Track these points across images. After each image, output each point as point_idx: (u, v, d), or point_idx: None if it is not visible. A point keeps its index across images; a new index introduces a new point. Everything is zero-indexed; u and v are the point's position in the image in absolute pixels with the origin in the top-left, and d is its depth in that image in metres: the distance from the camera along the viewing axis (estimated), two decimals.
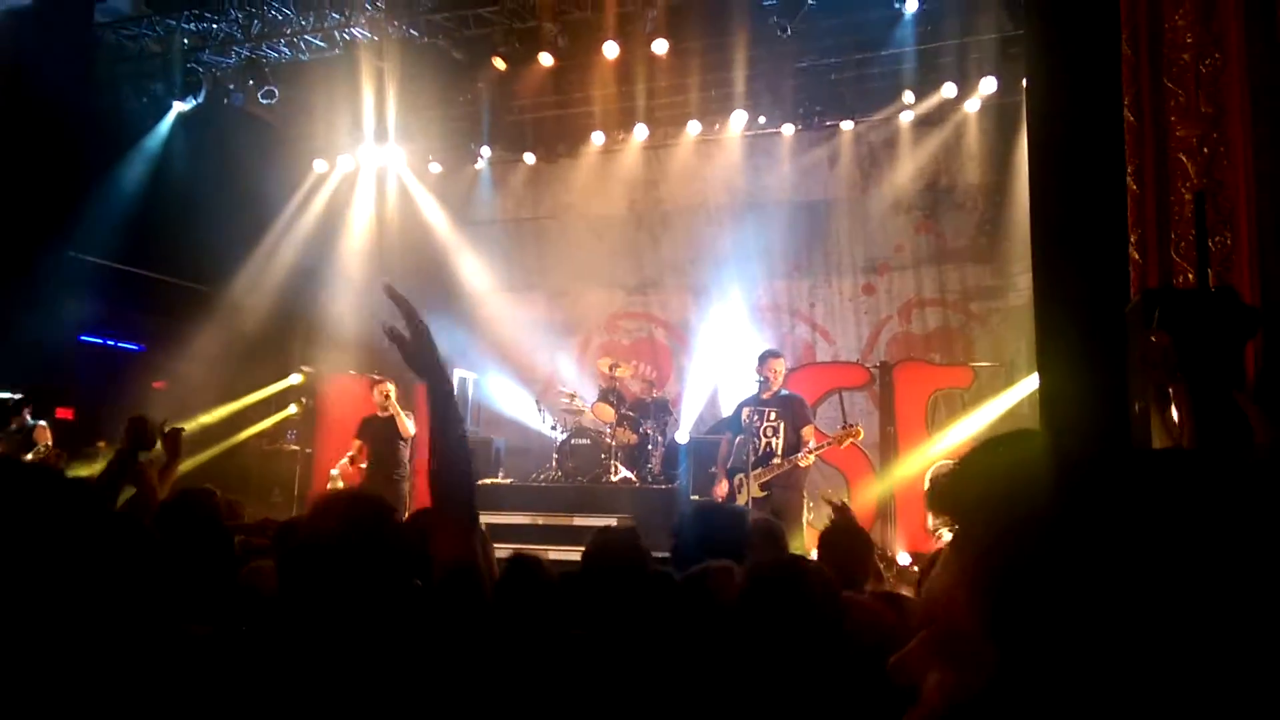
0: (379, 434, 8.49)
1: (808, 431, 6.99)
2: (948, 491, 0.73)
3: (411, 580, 1.61)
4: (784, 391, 7.21)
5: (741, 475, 6.90)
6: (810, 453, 6.88)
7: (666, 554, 3.12)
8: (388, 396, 8.49)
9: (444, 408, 1.78)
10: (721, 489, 7.02)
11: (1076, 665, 0.59)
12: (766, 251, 11.11)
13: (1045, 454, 0.70)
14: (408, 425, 8.41)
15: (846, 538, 3.36)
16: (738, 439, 7.11)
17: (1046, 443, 0.71)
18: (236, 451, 10.40)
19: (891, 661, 0.72)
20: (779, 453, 6.90)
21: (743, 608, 1.91)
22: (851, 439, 7.05)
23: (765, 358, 7.26)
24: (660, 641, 1.97)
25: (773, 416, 7.00)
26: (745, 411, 7.13)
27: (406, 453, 8.58)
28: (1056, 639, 0.60)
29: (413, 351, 1.77)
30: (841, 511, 3.68)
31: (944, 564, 0.70)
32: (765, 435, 6.98)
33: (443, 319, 11.53)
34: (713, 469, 7.57)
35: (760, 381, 7.16)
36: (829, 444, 7.00)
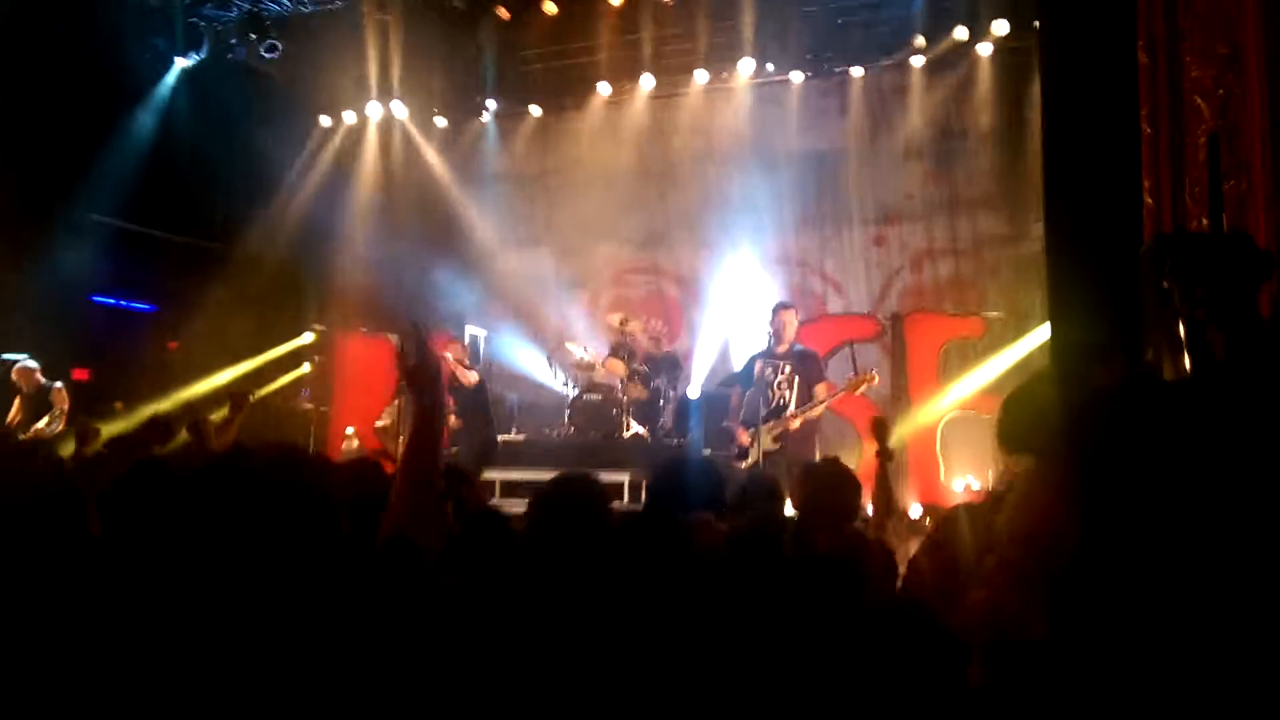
0: (461, 392, 8.87)
1: (821, 388, 6.96)
2: (1028, 425, 0.90)
3: (333, 522, 1.66)
4: (798, 347, 7.17)
5: (754, 429, 6.88)
6: (822, 403, 6.86)
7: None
8: (445, 358, 8.79)
9: (429, 419, 2.07)
10: (744, 438, 6.98)
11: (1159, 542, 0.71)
12: (776, 202, 11.00)
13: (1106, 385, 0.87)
14: (468, 376, 8.92)
15: (834, 478, 3.37)
16: (748, 393, 7.08)
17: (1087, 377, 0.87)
18: (251, 410, 10.45)
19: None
20: (792, 405, 6.89)
21: (719, 563, 1.90)
22: (867, 384, 7.02)
23: (776, 309, 7.22)
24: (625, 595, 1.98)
25: (786, 370, 6.98)
26: (758, 365, 7.10)
27: (483, 402, 9.09)
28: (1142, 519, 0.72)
29: (413, 373, 2.09)
30: (827, 462, 3.68)
31: (1028, 489, 0.85)
32: (779, 389, 6.96)
33: (451, 275, 11.52)
34: (726, 423, 7.56)
35: (771, 334, 7.12)
36: (843, 392, 6.98)
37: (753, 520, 2.43)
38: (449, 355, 8.74)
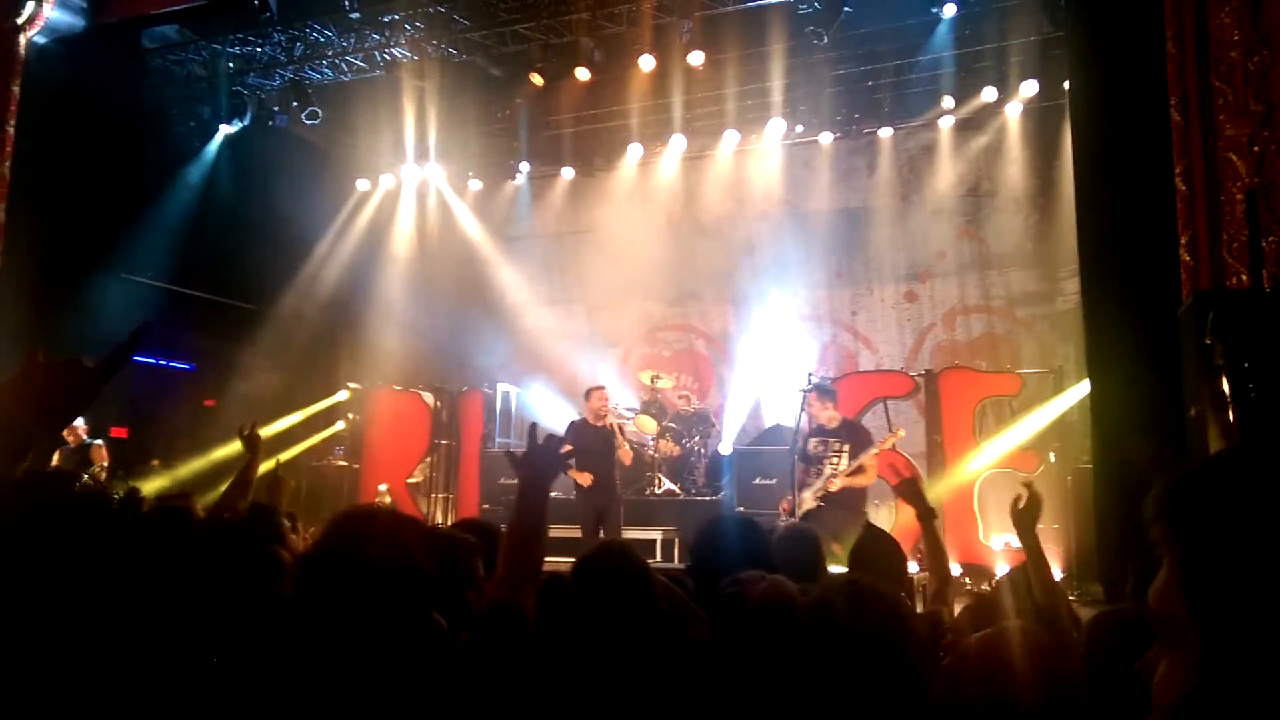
0: (595, 443, 7.67)
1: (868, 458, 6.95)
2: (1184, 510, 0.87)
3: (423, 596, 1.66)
4: (848, 420, 7.20)
5: (803, 493, 6.95)
6: (860, 466, 6.81)
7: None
8: (607, 407, 7.90)
9: (539, 503, 2.07)
10: (786, 504, 7.06)
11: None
12: (806, 260, 11.06)
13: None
14: (629, 453, 7.83)
15: (876, 547, 3.27)
16: (807, 468, 7.12)
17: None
18: (285, 468, 10.51)
19: (1137, 665, 0.90)
20: (839, 471, 6.90)
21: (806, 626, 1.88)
22: (894, 439, 7.02)
23: (804, 395, 7.33)
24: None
25: (836, 446, 7.00)
26: (812, 443, 7.12)
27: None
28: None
29: (535, 468, 2.09)
30: (872, 529, 3.57)
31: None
32: (831, 461, 6.98)
33: (484, 333, 11.63)
34: (757, 480, 7.57)
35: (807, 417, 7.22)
36: (875, 452, 6.93)
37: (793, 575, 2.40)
38: (607, 402, 7.96)
